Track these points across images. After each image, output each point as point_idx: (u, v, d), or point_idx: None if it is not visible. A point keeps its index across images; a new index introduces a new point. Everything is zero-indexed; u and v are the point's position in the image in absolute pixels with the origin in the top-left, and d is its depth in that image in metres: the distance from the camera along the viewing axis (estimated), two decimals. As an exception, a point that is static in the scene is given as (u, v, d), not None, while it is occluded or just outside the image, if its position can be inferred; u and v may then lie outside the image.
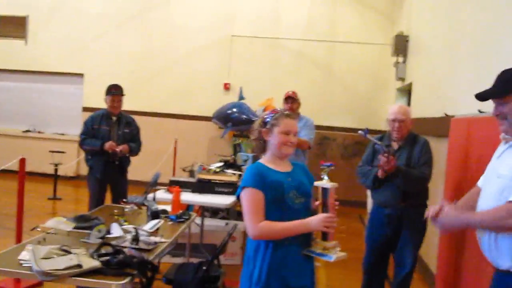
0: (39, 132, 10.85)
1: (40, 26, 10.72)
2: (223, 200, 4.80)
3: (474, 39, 4.40)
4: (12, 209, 4.75)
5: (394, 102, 8.44)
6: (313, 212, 2.56)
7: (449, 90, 5.11)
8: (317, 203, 2.56)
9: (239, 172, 5.37)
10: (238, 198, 2.58)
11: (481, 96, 2.36)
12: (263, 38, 10.05)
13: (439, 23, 5.95)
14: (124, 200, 4.57)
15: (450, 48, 5.24)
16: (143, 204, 4.22)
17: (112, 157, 5.33)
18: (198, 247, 5.17)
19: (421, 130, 4.63)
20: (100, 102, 5.60)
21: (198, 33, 10.26)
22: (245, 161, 5.96)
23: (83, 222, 3.49)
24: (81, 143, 5.44)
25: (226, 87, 10.16)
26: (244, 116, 8.63)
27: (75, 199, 9.14)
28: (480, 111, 3.64)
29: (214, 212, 6.18)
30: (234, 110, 8.91)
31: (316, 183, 2.58)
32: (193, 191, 5.02)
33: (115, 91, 5.41)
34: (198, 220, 5.27)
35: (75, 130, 7.86)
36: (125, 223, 3.58)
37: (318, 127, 6.67)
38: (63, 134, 10.67)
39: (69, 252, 2.74)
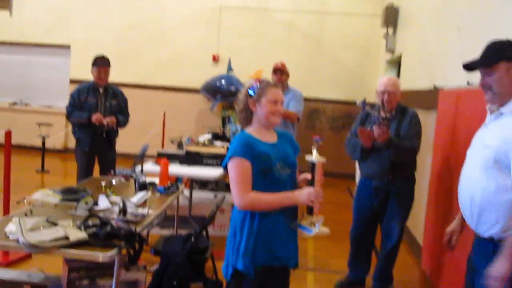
0: (26, 104, 10.70)
1: (25, -4, 10.49)
2: (212, 172, 4.79)
3: (463, 11, 4.37)
4: (-1, 182, 4.69)
5: (384, 74, 8.40)
6: (298, 184, 2.59)
7: (439, 62, 5.09)
8: (309, 176, 2.57)
9: (228, 144, 5.36)
10: (225, 168, 2.55)
11: (469, 66, 2.38)
12: (252, 9, 9.93)
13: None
14: (112, 172, 4.55)
15: (440, 20, 5.21)
16: (131, 176, 4.21)
17: (99, 129, 5.29)
18: (186, 219, 5.19)
19: (410, 102, 4.62)
20: (88, 74, 5.52)
21: (186, 4, 10.10)
22: (234, 133, 5.95)
23: (70, 195, 3.47)
24: (68, 116, 5.39)
25: (215, 58, 10.05)
26: (233, 88, 8.59)
27: (63, 172, 9.11)
28: (469, 83, 3.64)
29: (203, 184, 6.18)
30: (223, 81, 8.86)
31: (306, 157, 2.59)
32: (181, 163, 5.02)
33: (101, 63, 5.35)
34: (186, 192, 5.28)
35: (63, 102, 7.76)
36: (113, 195, 3.57)
37: (307, 99, 6.65)
38: (50, 107, 10.53)
39: (56, 224, 2.73)
